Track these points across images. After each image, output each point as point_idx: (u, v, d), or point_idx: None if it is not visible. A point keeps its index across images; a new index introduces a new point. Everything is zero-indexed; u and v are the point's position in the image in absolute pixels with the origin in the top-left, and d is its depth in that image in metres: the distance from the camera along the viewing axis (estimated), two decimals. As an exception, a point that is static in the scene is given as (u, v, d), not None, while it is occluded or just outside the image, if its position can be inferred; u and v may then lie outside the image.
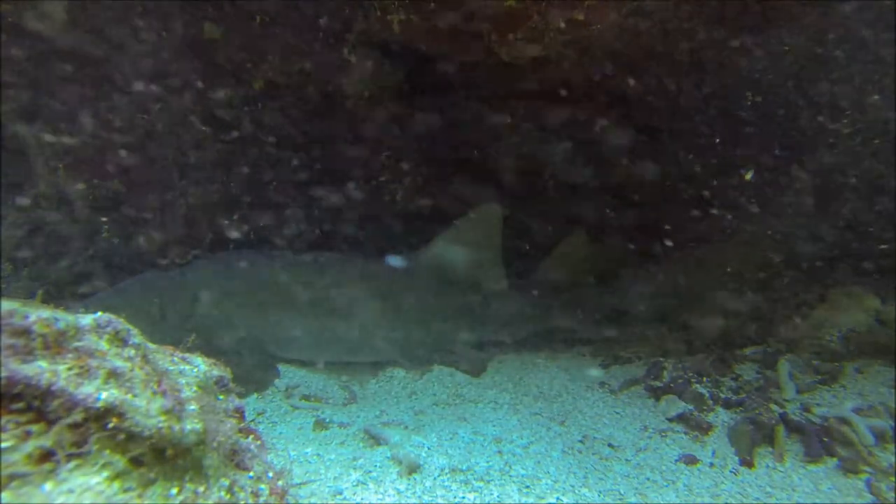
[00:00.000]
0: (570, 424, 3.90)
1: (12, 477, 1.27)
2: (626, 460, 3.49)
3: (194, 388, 1.76)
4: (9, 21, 4.02)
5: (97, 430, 1.38)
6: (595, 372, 4.73)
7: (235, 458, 1.81)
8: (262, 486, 1.81)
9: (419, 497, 2.93)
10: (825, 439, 3.56)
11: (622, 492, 3.15)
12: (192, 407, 1.62)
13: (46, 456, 1.32)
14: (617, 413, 4.08)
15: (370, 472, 3.12)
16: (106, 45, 4.27)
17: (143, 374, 1.55)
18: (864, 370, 4.24)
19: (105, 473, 1.36)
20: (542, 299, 5.05)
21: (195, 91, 4.47)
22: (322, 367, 4.61)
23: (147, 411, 1.46)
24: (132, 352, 1.60)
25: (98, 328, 1.57)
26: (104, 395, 1.41)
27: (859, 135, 4.31)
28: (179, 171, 4.69)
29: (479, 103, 4.71)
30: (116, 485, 1.36)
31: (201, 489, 1.56)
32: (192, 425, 1.56)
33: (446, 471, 3.16)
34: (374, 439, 3.53)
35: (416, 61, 4.37)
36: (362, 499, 2.87)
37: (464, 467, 3.19)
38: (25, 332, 1.42)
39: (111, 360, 1.50)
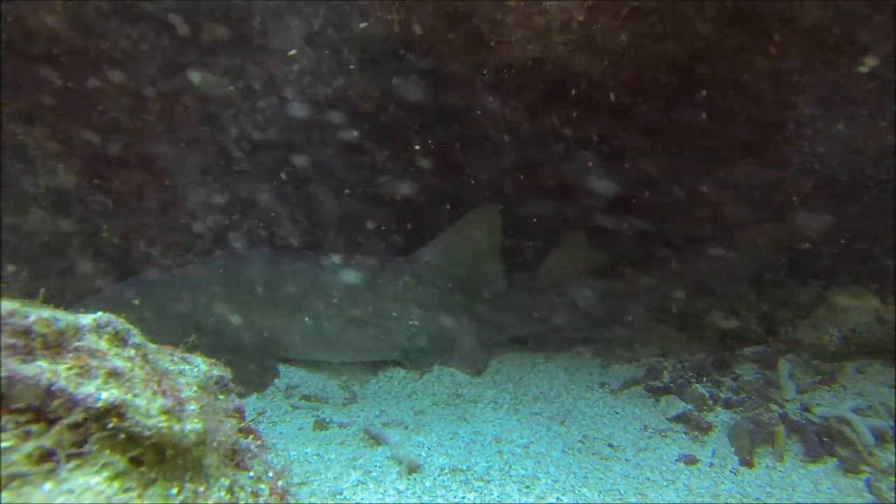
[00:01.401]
0: (570, 424, 3.90)
1: (12, 477, 1.27)
2: (626, 460, 3.49)
3: (194, 388, 1.76)
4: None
5: (97, 430, 1.38)
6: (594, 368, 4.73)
7: (235, 458, 1.81)
8: (262, 486, 1.81)
9: (419, 497, 2.93)
10: (825, 439, 3.57)
11: (622, 492, 3.15)
12: (192, 407, 1.62)
13: (46, 456, 1.32)
14: (617, 413, 4.08)
15: (370, 472, 3.12)
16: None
17: (143, 374, 1.55)
18: (864, 370, 4.24)
19: (105, 473, 1.36)
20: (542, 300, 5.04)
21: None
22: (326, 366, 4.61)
23: (147, 411, 1.46)
24: (132, 352, 1.60)
25: (98, 328, 1.57)
26: (104, 395, 1.41)
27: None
28: (178, 171, 4.69)
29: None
30: (116, 485, 1.36)
31: (201, 489, 1.55)
32: (192, 425, 1.56)
33: (446, 471, 3.16)
34: (375, 439, 3.52)
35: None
36: (362, 499, 2.87)
37: (464, 467, 3.19)
38: (25, 332, 1.42)
39: (111, 360, 1.50)
